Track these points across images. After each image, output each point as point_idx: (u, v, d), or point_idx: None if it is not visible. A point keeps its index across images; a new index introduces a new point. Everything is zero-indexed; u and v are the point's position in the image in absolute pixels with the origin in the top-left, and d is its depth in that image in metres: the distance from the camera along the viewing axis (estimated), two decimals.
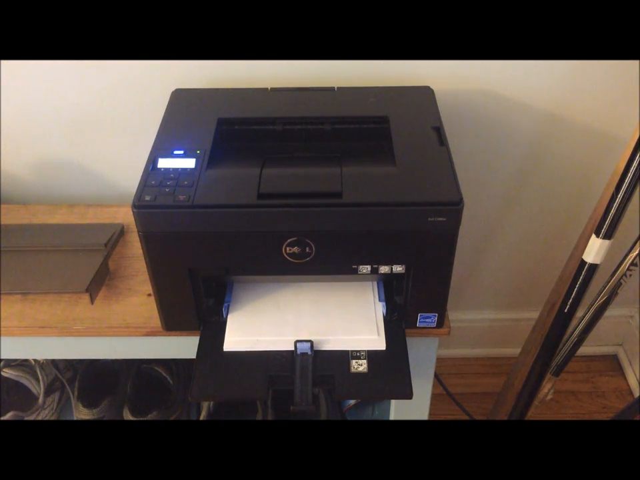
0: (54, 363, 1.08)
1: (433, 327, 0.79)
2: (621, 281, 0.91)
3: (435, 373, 0.89)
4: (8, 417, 1.00)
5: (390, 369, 0.75)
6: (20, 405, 1.05)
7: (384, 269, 0.75)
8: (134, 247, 0.94)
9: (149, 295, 0.85)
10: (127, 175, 1.10)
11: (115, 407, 1.04)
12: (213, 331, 0.79)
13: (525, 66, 0.99)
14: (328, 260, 0.72)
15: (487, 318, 1.40)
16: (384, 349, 0.77)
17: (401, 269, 0.74)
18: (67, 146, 1.06)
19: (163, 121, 0.82)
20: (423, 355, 0.85)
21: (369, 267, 0.75)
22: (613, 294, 0.92)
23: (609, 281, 0.92)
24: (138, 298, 0.85)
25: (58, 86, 0.99)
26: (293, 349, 0.75)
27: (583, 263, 0.91)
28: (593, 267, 0.90)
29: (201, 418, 1.06)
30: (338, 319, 0.79)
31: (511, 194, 1.17)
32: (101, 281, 0.86)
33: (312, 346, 0.75)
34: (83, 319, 0.82)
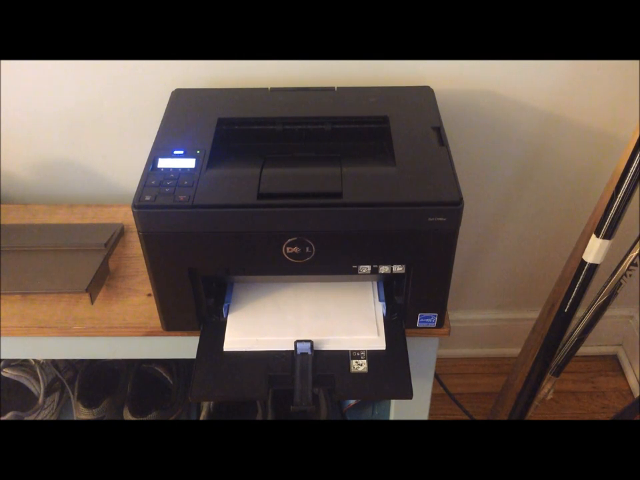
0: (54, 363, 1.08)
1: (433, 327, 0.79)
2: (621, 281, 0.91)
3: (435, 373, 0.89)
4: (8, 417, 1.00)
5: (390, 368, 0.75)
6: (20, 404, 1.05)
7: (384, 269, 0.75)
8: (134, 246, 0.94)
9: (149, 295, 0.85)
10: (127, 175, 1.10)
11: (115, 407, 1.04)
12: (213, 331, 0.79)
13: (525, 66, 0.99)
14: (328, 260, 0.72)
15: (487, 318, 1.40)
16: (384, 349, 0.77)
17: (400, 269, 0.74)
18: (67, 146, 1.06)
19: (163, 120, 0.82)
20: (423, 355, 0.85)
21: (368, 267, 0.75)
22: (612, 294, 0.92)
23: (609, 281, 0.92)
24: (138, 298, 0.85)
25: (58, 86, 0.99)
26: (293, 349, 0.75)
27: (583, 262, 0.91)
28: (593, 267, 0.90)
29: (201, 418, 1.06)
30: (338, 319, 0.79)
31: (511, 194, 1.17)
32: (101, 281, 0.86)
33: (312, 346, 0.75)
34: (82, 318, 0.82)
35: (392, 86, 0.93)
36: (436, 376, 0.94)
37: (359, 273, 0.76)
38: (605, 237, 0.87)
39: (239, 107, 0.86)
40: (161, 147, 0.76)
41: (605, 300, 0.93)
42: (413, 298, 0.76)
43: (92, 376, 1.08)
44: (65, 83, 0.99)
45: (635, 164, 0.82)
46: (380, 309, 0.81)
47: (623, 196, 0.84)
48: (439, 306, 0.77)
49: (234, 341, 0.77)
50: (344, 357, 0.76)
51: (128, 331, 0.81)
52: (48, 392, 1.06)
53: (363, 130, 0.82)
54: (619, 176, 0.84)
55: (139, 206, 0.68)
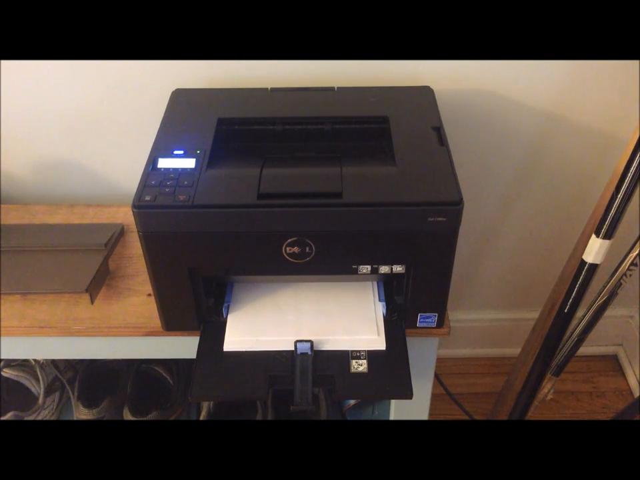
0: (54, 363, 1.08)
1: (433, 327, 0.79)
2: (621, 281, 0.91)
3: (435, 373, 0.89)
4: (8, 417, 1.00)
5: (390, 368, 0.75)
6: (20, 404, 1.05)
7: (384, 269, 0.75)
8: (134, 246, 0.94)
9: (149, 295, 0.85)
10: (127, 175, 1.10)
11: (115, 407, 1.04)
12: (213, 331, 0.79)
13: (525, 66, 0.99)
14: (328, 260, 0.72)
15: (487, 318, 1.40)
16: (384, 348, 0.77)
17: (400, 269, 0.74)
18: (67, 146, 1.06)
19: (163, 120, 0.82)
20: (423, 355, 0.85)
21: (368, 267, 0.75)
22: (613, 294, 0.92)
23: (609, 281, 0.92)
24: (138, 298, 0.85)
25: (58, 86, 0.99)
26: (293, 349, 0.75)
27: (583, 263, 0.91)
28: (593, 267, 0.90)
29: (201, 418, 1.06)
30: (338, 319, 0.79)
31: (511, 194, 1.17)
32: (101, 281, 0.86)
33: (312, 346, 0.75)
34: (82, 318, 0.82)
35: (392, 86, 0.93)
36: (436, 376, 0.94)
37: (359, 273, 0.76)
38: (605, 237, 0.87)
39: (239, 107, 0.86)
40: (161, 147, 0.76)
41: (605, 300, 0.93)
42: (413, 298, 0.76)
43: (92, 376, 1.08)
44: (64, 83, 0.99)
45: (634, 164, 0.82)
46: (380, 309, 0.81)
47: (623, 196, 0.84)
48: (439, 306, 0.77)
49: (234, 340, 0.77)
50: (344, 357, 0.76)
51: (128, 331, 0.81)
52: (48, 392, 1.06)
53: (362, 130, 0.82)
54: (619, 176, 0.84)
55: (139, 206, 0.68)
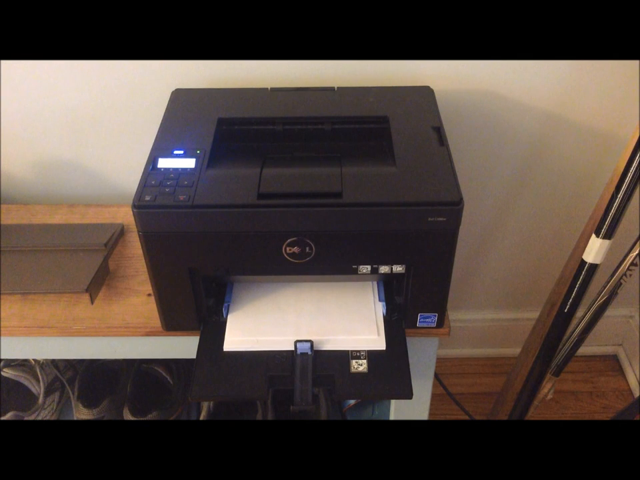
0: (54, 363, 1.08)
1: (433, 327, 0.79)
2: (621, 280, 0.91)
3: (435, 373, 0.89)
4: (8, 417, 1.00)
5: (390, 368, 0.75)
6: (20, 404, 1.05)
7: (384, 269, 0.75)
8: (134, 246, 0.94)
9: (149, 294, 0.85)
10: (127, 174, 1.10)
11: (115, 407, 1.04)
12: (213, 331, 0.79)
13: (525, 66, 0.99)
14: (328, 260, 0.72)
15: (487, 318, 1.40)
16: (384, 349, 0.77)
17: (400, 268, 0.74)
18: (67, 146, 1.06)
19: (162, 120, 0.82)
20: (423, 355, 0.85)
21: (369, 267, 0.75)
22: (612, 294, 0.92)
23: (609, 281, 0.92)
24: (138, 298, 0.85)
25: (58, 86, 0.99)
26: (293, 348, 0.75)
27: (583, 262, 0.91)
28: (593, 267, 0.90)
29: (201, 418, 1.06)
30: (338, 318, 0.79)
31: (511, 194, 1.17)
32: (101, 281, 0.86)
33: (312, 346, 0.75)
34: (83, 318, 0.82)
35: (392, 86, 0.93)
36: (436, 376, 0.94)
37: (359, 273, 0.76)
38: (604, 237, 0.87)
39: (239, 107, 0.86)
40: (161, 147, 0.76)
41: (605, 300, 0.93)
42: (413, 298, 0.76)
43: (92, 376, 1.08)
44: (64, 83, 0.99)
45: (634, 164, 0.82)
46: (380, 308, 0.81)
47: (623, 196, 0.84)
48: (439, 306, 0.77)
49: (234, 340, 0.77)
50: (344, 357, 0.76)
51: (128, 331, 0.81)
52: (48, 392, 1.06)
53: (363, 130, 0.82)
54: (619, 176, 0.84)
55: (139, 206, 0.68)
